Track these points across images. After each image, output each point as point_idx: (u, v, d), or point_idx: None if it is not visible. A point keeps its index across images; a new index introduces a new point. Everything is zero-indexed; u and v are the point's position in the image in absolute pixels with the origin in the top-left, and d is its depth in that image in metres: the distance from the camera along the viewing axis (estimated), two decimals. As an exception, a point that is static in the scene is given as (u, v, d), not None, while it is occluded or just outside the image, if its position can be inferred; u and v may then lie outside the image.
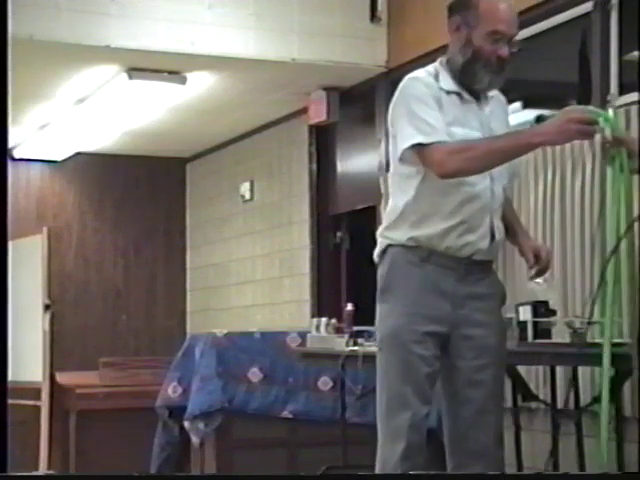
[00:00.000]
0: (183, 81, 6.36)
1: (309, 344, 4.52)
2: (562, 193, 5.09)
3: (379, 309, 3.03)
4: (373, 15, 6.34)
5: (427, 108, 2.88)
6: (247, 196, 8.11)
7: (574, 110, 2.86)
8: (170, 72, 6.27)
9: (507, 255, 5.43)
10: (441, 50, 5.91)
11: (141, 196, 8.94)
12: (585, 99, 5.20)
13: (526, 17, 5.41)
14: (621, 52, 5.00)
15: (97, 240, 8.82)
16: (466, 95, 3.00)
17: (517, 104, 5.77)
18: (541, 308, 4.05)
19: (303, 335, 4.79)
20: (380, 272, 3.03)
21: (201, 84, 6.55)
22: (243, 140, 8.10)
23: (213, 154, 8.70)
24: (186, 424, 4.92)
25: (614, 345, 3.87)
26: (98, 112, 7.00)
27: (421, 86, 2.95)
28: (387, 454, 2.99)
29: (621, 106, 4.85)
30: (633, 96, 4.82)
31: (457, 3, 3.06)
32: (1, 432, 3.14)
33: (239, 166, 8.21)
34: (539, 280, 4.24)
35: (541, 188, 5.20)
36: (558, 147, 5.12)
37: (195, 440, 4.92)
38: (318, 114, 6.73)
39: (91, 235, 8.82)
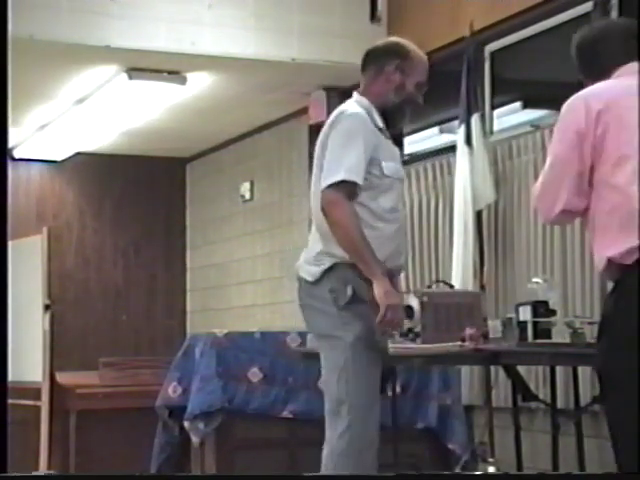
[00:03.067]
0: (183, 81, 6.36)
1: (309, 344, 4.51)
2: None
3: (341, 317, 3.32)
4: (373, 15, 6.34)
5: (361, 147, 3.20)
6: (247, 196, 8.11)
7: (391, 296, 3.25)
8: (170, 72, 6.28)
9: (507, 255, 5.43)
10: (440, 50, 5.97)
11: (141, 196, 8.94)
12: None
13: (526, 17, 5.42)
14: (621, 52, 5.00)
15: (97, 240, 8.82)
16: (388, 133, 3.37)
17: (517, 104, 5.78)
18: (541, 308, 4.05)
19: (303, 335, 4.78)
20: (331, 286, 3.32)
21: (201, 84, 6.55)
22: (243, 140, 8.10)
23: (213, 154, 8.70)
24: (186, 424, 4.92)
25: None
26: (98, 112, 7.00)
27: (362, 121, 3.27)
28: (368, 447, 3.28)
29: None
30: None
31: (396, 49, 3.37)
32: (1, 432, 3.15)
33: (239, 166, 8.21)
34: (539, 280, 4.25)
35: (541, 188, 5.20)
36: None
37: (195, 440, 4.91)
38: (318, 114, 6.72)
39: (91, 235, 8.82)
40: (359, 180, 3.21)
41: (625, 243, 2.51)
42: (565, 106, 2.69)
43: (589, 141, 2.59)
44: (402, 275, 3.63)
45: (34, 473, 6.05)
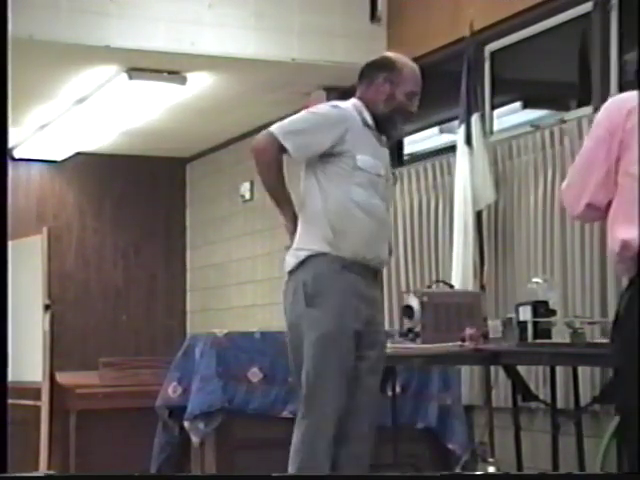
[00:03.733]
0: (183, 81, 6.36)
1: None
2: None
3: (309, 312, 3.44)
4: (373, 15, 6.34)
5: (322, 133, 3.45)
6: (247, 196, 8.11)
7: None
8: (170, 72, 6.27)
9: (507, 255, 5.43)
10: (440, 50, 5.97)
11: (141, 196, 8.94)
12: (585, 99, 5.21)
13: (526, 17, 5.42)
14: (621, 52, 5.00)
15: (97, 240, 8.82)
16: (377, 133, 3.59)
17: (517, 104, 5.78)
18: (541, 308, 4.05)
19: (303, 335, 4.79)
20: (302, 279, 3.47)
21: (201, 84, 6.55)
22: (243, 140, 8.10)
23: (213, 154, 8.70)
24: (186, 424, 4.91)
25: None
26: (98, 112, 7.00)
27: (339, 116, 3.50)
28: (319, 437, 3.42)
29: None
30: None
31: (385, 63, 3.61)
32: (1, 432, 3.15)
33: (239, 166, 8.21)
34: (538, 280, 4.25)
35: (541, 188, 5.20)
36: (557, 147, 5.13)
37: (195, 440, 4.91)
38: (318, 114, 6.72)
39: (91, 235, 8.82)
40: (291, 148, 3.43)
41: None
42: (603, 105, 2.85)
43: (618, 136, 2.69)
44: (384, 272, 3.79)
45: (34, 473, 6.04)
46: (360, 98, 3.64)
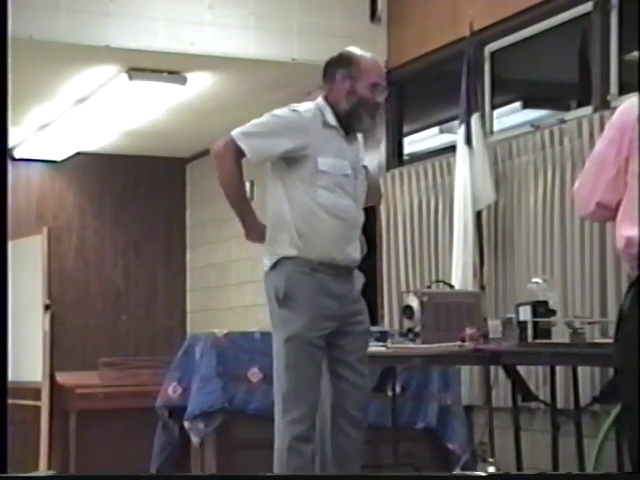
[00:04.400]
0: (183, 81, 6.36)
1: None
2: (562, 193, 5.09)
3: (280, 313, 3.56)
4: (373, 15, 6.34)
5: (280, 137, 3.48)
6: (247, 196, 8.08)
7: (253, 237, 3.64)
8: (170, 72, 6.27)
9: (507, 255, 5.44)
10: (440, 50, 5.97)
11: (141, 196, 8.94)
12: (585, 99, 5.21)
13: (526, 17, 5.42)
14: (621, 52, 5.00)
15: (97, 240, 8.81)
16: (342, 132, 3.57)
17: (517, 104, 5.79)
18: (541, 308, 4.05)
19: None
20: (274, 282, 3.55)
21: (201, 84, 6.55)
22: (243, 140, 8.08)
23: (213, 154, 8.69)
24: (186, 424, 4.91)
25: (613, 345, 3.88)
26: (98, 112, 7.00)
27: (297, 120, 3.52)
28: (295, 421, 3.51)
29: (621, 106, 4.85)
30: (633, 96, 4.82)
31: (341, 59, 3.64)
32: (1, 432, 3.15)
33: (239, 166, 8.19)
34: (538, 280, 4.26)
35: (541, 188, 5.20)
36: (557, 147, 5.12)
37: (195, 440, 4.91)
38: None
39: (91, 235, 8.82)
40: (248, 150, 3.50)
41: None
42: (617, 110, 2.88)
43: (628, 136, 2.72)
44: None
45: (34, 473, 6.04)
46: (325, 98, 3.65)
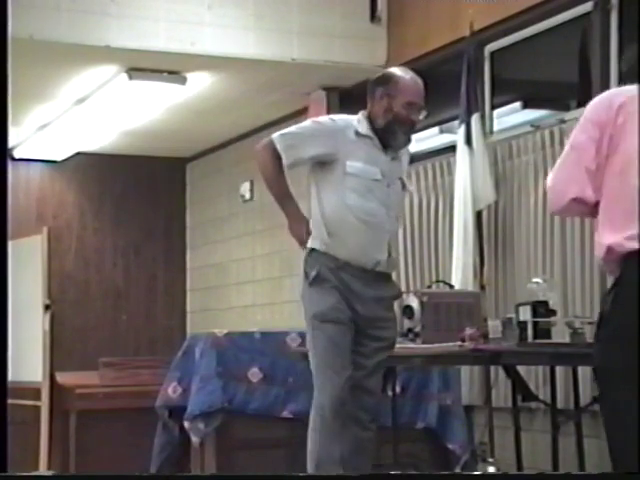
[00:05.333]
0: (183, 81, 6.36)
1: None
2: (562, 193, 5.08)
3: (309, 292, 3.77)
4: (373, 15, 6.34)
5: (314, 140, 3.72)
6: (247, 196, 8.10)
7: (295, 229, 3.77)
8: (170, 72, 6.27)
9: (507, 255, 5.43)
10: (440, 50, 5.96)
11: (141, 196, 8.94)
12: (585, 99, 5.20)
13: (526, 17, 5.42)
14: (621, 52, 5.00)
15: (97, 240, 8.81)
16: (376, 142, 3.79)
17: (517, 104, 5.78)
18: (541, 308, 4.05)
19: (303, 335, 4.78)
20: (307, 268, 3.79)
21: (201, 84, 6.55)
22: (243, 140, 8.10)
23: (213, 154, 8.69)
24: (186, 424, 4.91)
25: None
26: (98, 112, 7.00)
27: (330, 126, 3.77)
28: (326, 392, 3.66)
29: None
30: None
31: (381, 78, 3.84)
32: (1, 432, 3.16)
33: (239, 166, 8.20)
34: (538, 280, 4.26)
35: (541, 188, 5.20)
36: (557, 147, 5.13)
37: (195, 440, 4.91)
38: (318, 114, 6.71)
39: (91, 235, 8.82)
40: (282, 149, 3.73)
41: (626, 230, 2.53)
42: (591, 101, 2.78)
43: (608, 132, 2.65)
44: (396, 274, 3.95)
45: (34, 473, 6.04)
46: (367, 112, 3.88)
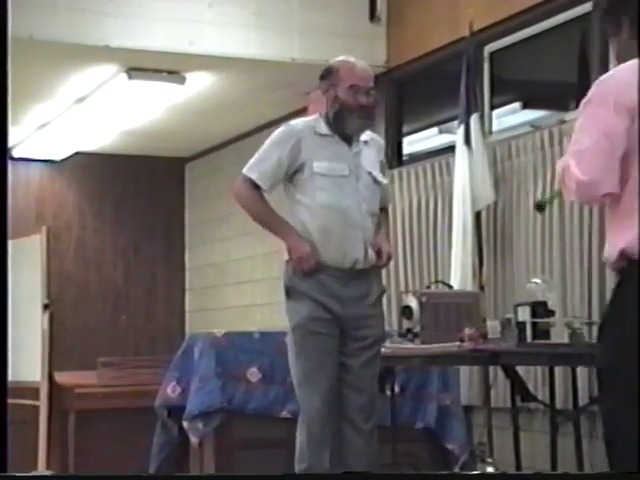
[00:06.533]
0: (182, 81, 6.36)
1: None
2: (561, 193, 5.09)
3: (287, 305, 3.79)
4: (372, 15, 6.34)
5: (276, 152, 3.72)
6: (246, 196, 8.09)
7: (297, 247, 3.67)
8: (169, 72, 6.27)
9: (506, 256, 5.43)
10: (439, 51, 5.96)
11: (141, 196, 8.94)
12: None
13: (526, 17, 5.42)
14: (620, 52, 5.00)
15: (97, 240, 8.81)
16: (337, 138, 3.75)
17: (516, 104, 5.79)
18: (540, 308, 4.05)
19: (302, 335, 4.79)
20: (284, 278, 3.79)
21: (200, 84, 6.55)
22: (243, 140, 8.09)
23: (213, 154, 8.69)
24: (185, 424, 4.91)
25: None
26: (97, 112, 7.00)
27: (288, 132, 3.75)
28: (310, 407, 3.66)
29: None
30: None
31: (324, 72, 3.82)
32: (1, 432, 3.16)
33: (239, 166, 8.10)
34: (537, 280, 4.25)
35: (540, 188, 5.20)
36: (557, 147, 5.13)
37: (194, 440, 4.90)
38: (317, 113, 6.72)
39: (91, 235, 8.82)
40: (256, 178, 3.78)
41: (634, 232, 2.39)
42: (616, 76, 2.49)
43: (637, 119, 2.39)
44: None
45: (34, 473, 6.04)
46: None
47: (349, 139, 3.77)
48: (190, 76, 6.34)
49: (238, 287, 8.24)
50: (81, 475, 5.14)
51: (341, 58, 3.86)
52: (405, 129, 6.49)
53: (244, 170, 3.83)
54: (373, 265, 3.79)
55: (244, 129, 7.88)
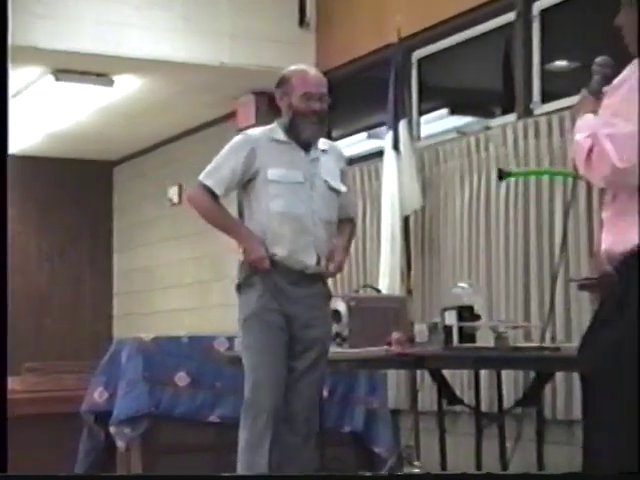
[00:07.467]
0: (110, 83, 6.31)
1: (237, 348, 4.51)
2: (487, 198, 5.17)
3: (239, 299, 3.81)
4: (302, 20, 6.37)
5: (231, 160, 3.76)
6: (175, 199, 8.06)
7: (253, 249, 3.71)
8: (97, 74, 6.22)
9: (433, 260, 5.49)
10: (368, 56, 6.01)
11: (67, 199, 8.84)
12: (509, 107, 5.30)
13: (452, 25, 5.50)
14: (543, 61, 5.10)
15: (21, 244, 8.69)
16: (294, 145, 3.80)
17: (444, 111, 5.86)
18: (466, 312, 4.10)
19: (231, 339, 4.78)
20: (237, 275, 3.82)
21: (128, 86, 6.50)
22: (171, 143, 8.06)
23: (141, 157, 8.64)
24: (112, 429, 4.86)
25: (535, 349, 3.96)
26: (23, 113, 6.90)
27: (244, 140, 3.80)
28: (257, 400, 3.66)
29: (543, 114, 4.95)
30: (555, 104, 4.92)
31: (278, 81, 3.85)
32: (1, 432, 3.13)
33: (167, 169, 8.16)
34: (464, 284, 4.31)
35: (467, 193, 5.27)
36: (483, 153, 5.20)
37: (121, 445, 4.86)
38: (247, 118, 6.72)
39: (14, 238, 8.69)
40: (211, 184, 3.77)
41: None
42: None
43: None
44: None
45: (34, 473, 5.92)
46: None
47: (306, 146, 3.82)
48: (118, 79, 6.29)
49: (166, 291, 8.19)
50: (82, 475, 5.03)
51: (294, 67, 3.91)
52: (334, 134, 6.52)
53: (200, 177, 3.82)
54: (322, 272, 3.84)
55: (173, 132, 7.85)
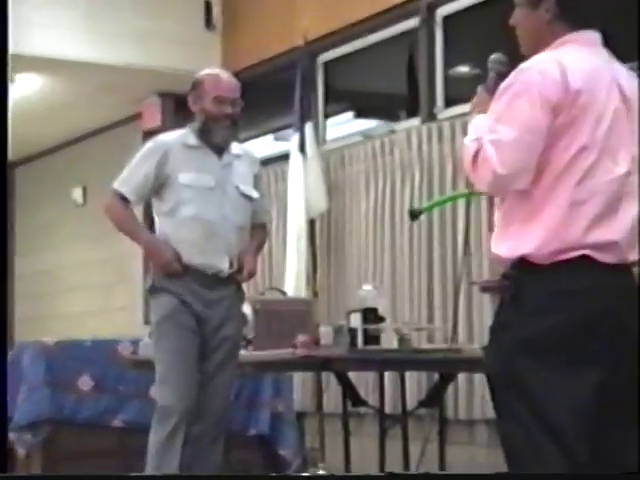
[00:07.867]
0: (10, 82, 6.18)
1: (141, 352, 4.47)
2: (392, 202, 5.22)
3: (151, 303, 3.81)
4: (208, 22, 6.34)
5: (143, 167, 3.76)
6: (80, 201, 7.95)
7: (159, 255, 3.73)
8: (-2, 73, 6.09)
9: (339, 263, 5.53)
10: (275, 59, 6.02)
11: (-33, 200, 8.64)
12: (413, 111, 5.36)
13: (358, 29, 5.54)
14: (446, 66, 5.18)
15: None
16: (207, 149, 3.79)
17: (349, 114, 5.90)
18: (370, 315, 4.12)
19: (135, 343, 4.73)
20: (151, 274, 3.82)
21: (30, 86, 6.39)
22: (75, 144, 7.94)
23: (43, 158, 8.49)
24: (11, 435, 4.76)
25: (438, 351, 4.01)
26: None
27: (155, 146, 3.80)
28: (168, 402, 3.66)
29: (447, 119, 5.02)
30: (458, 109, 5.00)
31: (191, 85, 3.85)
32: (1, 432, 3.04)
33: (71, 171, 8.04)
34: (368, 287, 4.34)
35: (372, 196, 5.32)
36: (387, 156, 5.25)
37: (21, 452, 4.77)
38: (152, 119, 6.67)
39: None
40: (125, 191, 3.78)
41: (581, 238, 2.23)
42: (534, 72, 2.30)
43: (560, 118, 2.27)
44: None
45: (32, 473, 5.73)
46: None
47: (219, 150, 3.80)
48: (19, 77, 6.18)
49: (69, 294, 8.07)
50: (82, 475, 4.89)
51: (207, 70, 3.91)
52: (240, 136, 6.51)
53: (114, 184, 3.82)
54: (235, 275, 3.84)
55: (76, 133, 7.73)
